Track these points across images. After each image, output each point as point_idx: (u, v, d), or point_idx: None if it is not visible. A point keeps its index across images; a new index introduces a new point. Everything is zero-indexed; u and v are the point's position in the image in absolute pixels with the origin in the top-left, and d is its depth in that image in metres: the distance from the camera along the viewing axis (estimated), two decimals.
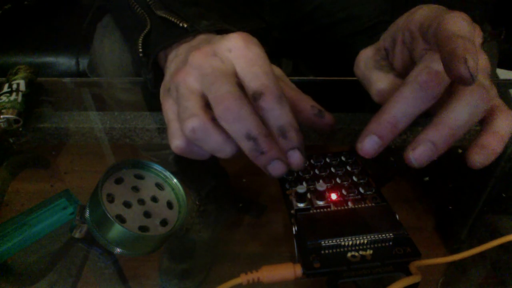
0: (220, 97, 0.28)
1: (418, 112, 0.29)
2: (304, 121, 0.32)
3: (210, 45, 0.31)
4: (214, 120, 0.29)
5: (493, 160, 0.29)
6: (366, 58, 0.36)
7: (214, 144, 0.29)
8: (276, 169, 0.28)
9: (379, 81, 0.34)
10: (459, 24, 0.27)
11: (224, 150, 0.30)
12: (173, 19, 0.39)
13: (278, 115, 0.28)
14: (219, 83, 0.29)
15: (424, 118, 0.31)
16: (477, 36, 0.31)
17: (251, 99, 0.29)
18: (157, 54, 0.39)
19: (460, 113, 0.28)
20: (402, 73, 0.34)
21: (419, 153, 0.28)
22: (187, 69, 0.31)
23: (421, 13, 0.32)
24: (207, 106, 0.30)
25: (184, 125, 0.29)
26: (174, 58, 0.36)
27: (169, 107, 0.32)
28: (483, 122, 0.31)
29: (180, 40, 0.37)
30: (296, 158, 0.28)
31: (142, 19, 0.41)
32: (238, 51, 0.30)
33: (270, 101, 0.28)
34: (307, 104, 0.33)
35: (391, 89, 0.32)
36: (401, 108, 0.28)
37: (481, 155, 0.29)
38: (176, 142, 0.31)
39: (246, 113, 0.28)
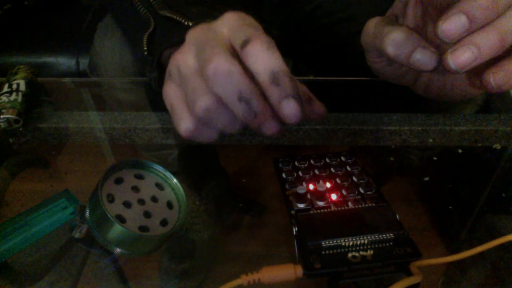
0: (209, 59, 0.27)
1: None
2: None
3: (207, 24, 0.31)
4: None
5: (510, 87, 0.27)
6: (376, 21, 0.35)
7: (227, 120, 0.28)
8: (271, 128, 0.28)
9: (393, 31, 0.31)
10: None
11: (236, 124, 0.29)
12: (177, 18, 0.39)
13: (268, 60, 0.26)
14: (208, 47, 0.28)
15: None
16: None
17: (239, 50, 0.28)
18: (162, 52, 0.39)
19: None
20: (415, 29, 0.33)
21: (459, 55, 0.26)
22: (184, 49, 0.30)
23: None
24: None
25: (197, 105, 0.28)
26: None
27: (170, 91, 0.31)
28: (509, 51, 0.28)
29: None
30: (291, 107, 0.26)
31: (146, 19, 0.41)
32: (230, 21, 0.30)
33: (257, 45, 0.27)
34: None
35: (406, 37, 0.30)
36: None
37: (498, 75, 0.27)
38: (185, 125, 0.30)
39: (236, 72, 0.26)
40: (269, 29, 0.65)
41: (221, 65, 0.26)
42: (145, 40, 0.40)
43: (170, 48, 0.38)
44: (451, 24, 0.25)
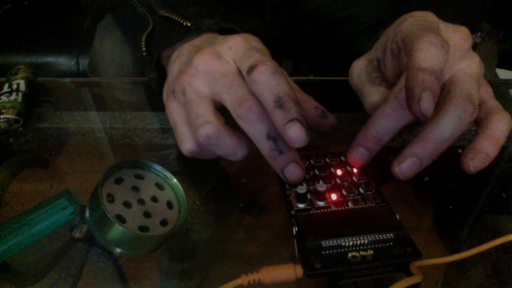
0: (241, 98, 0.28)
1: (400, 126, 0.30)
2: (308, 122, 0.32)
3: (213, 46, 0.31)
4: (227, 125, 0.29)
5: (487, 164, 0.29)
6: (358, 70, 0.36)
7: (227, 149, 0.29)
8: (293, 172, 0.29)
9: (371, 94, 0.34)
10: (428, 53, 0.27)
11: (236, 154, 0.30)
12: (176, 18, 0.39)
13: (273, 85, 0.27)
14: (236, 85, 0.29)
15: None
16: (460, 48, 0.31)
17: (246, 76, 0.28)
18: (160, 52, 0.39)
19: (444, 128, 0.28)
20: (394, 82, 0.34)
21: (405, 167, 0.29)
22: (191, 72, 0.31)
23: (406, 26, 0.32)
24: (217, 110, 0.30)
25: (198, 132, 0.29)
26: (176, 58, 0.36)
27: (174, 110, 0.32)
28: (479, 125, 0.31)
29: (184, 39, 0.37)
30: (296, 130, 0.26)
31: (145, 18, 0.41)
32: (237, 46, 0.31)
33: (264, 71, 0.27)
34: (310, 105, 0.33)
35: (382, 102, 0.32)
36: (383, 124, 0.30)
37: (476, 160, 0.29)
38: (187, 146, 0.31)
39: (266, 114, 0.28)
40: (269, 29, 0.65)
41: (254, 107, 0.28)
42: (143, 40, 0.40)
43: (168, 49, 0.38)
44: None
